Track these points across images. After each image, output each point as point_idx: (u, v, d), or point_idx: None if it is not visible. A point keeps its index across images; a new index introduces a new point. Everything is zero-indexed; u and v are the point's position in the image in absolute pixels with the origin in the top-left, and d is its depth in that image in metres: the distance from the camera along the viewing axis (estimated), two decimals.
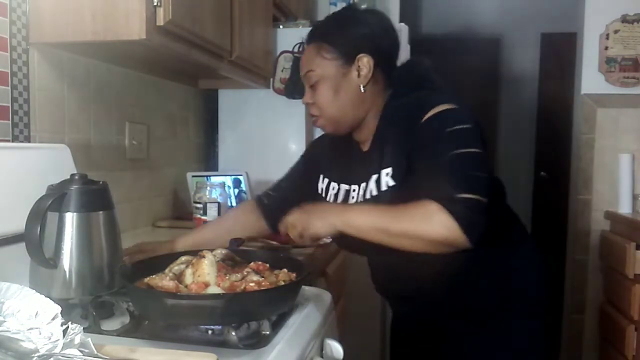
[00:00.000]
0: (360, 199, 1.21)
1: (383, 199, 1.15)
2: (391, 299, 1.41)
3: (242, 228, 1.36)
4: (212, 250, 1.03)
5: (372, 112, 1.22)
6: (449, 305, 1.23)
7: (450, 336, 1.24)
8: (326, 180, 1.33)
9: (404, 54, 2.25)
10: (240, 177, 2.26)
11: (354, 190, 1.24)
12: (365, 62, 1.18)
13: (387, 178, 1.15)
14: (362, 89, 1.19)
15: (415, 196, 1.05)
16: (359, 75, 1.19)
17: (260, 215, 1.40)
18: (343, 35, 1.21)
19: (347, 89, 1.19)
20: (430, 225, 1.02)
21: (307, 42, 1.28)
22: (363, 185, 1.20)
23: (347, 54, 1.19)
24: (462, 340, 1.22)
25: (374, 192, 1.17)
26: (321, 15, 2.93)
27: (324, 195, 1.33)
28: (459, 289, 1.20)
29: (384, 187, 1.15)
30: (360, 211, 1.13)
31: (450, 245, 1.02)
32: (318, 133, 2.35)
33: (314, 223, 1.09)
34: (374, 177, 1.17)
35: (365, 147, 1.25)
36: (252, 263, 1.03)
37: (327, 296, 1.18)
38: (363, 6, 2.40)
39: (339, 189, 1.28)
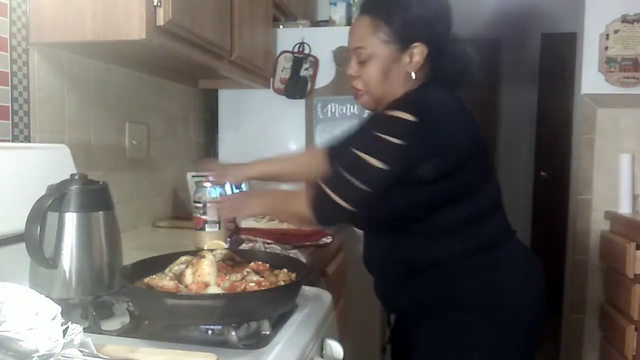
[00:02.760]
0: None
1: None
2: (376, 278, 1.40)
3: (309, 171, 1.42)
4: (212, 250, 1.03)
5: (403, 88, 1.22)
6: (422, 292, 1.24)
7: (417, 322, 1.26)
8: None
9: None
10: None
11: None
12: (419, 51, 1.18)
13: None
14: (412, 75, 1.19)
15: None
16: (410, 62, 1.19)
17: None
18: (403, 17, 1.18)
19: (397, 72, 1.19)
20: (292, 203, 1.23)
21: (362, 12, 1.24)
22: None
23: (403, 40, 1.18)
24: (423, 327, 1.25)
25: None
26: (321, 15, 2.93)
27: None
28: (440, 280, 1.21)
29: None
30: (266, 195, 1.39)
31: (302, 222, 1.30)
32: (318, 133, 2.37)
33: (240, 204, 1.34)
34: None
35: None
36: (252, 263, 1.03)
37: (327, 296, 1.18)
38: None
39: None
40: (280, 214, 1.35)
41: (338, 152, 1.30)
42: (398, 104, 1.14)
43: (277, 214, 1.37)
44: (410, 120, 1.08)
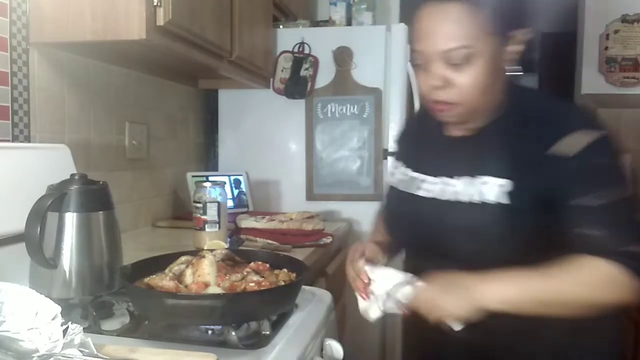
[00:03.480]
0: (438, 195, 1.01)
1: (485, 214, 0.94)
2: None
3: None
4: (212, 250, 1.03)
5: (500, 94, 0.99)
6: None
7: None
8: (399, 165, 1.14)
9: (404, 54, 2.25)
10: (240, 177, 2.27)
11: (429, 182, 1.04)
12: (522, 36, 0.95)
13: (498, 191, 0.93)
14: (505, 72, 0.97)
15: (542, 234, 0.91)
16: (510, 55, 0.95)
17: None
18: None
19: (500, 72, 0.95)
20: (616, 291, 0.86)
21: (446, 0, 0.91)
22: (448, 180, 1.00)
23: (508, 26, 0.94)
24: None
25: (476, 198, 0.95)
26: (321, 15, 2.93)
27: (390, 179, 1.16)
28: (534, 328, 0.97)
29: (490, 198, 0.94)
30: (505, 280, 0.88)
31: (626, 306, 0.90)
32: (318, 133, 2.37)
33: (446, 303, 0.88)
34: (480, 179, 0.96)
35: (460, 132, 1.03)
36: (252, 263, 1.03)
37: (327, 296, 1.18)
38: (363, 6, 2.41)
39: (408, 177, 1.09)
40: (559, 308, 0.89)
41: (616, 236, 0.88)
42: (587, 145, 0.90)
43: (547, 308, 0.89)
44: (621, 163, 0.92)
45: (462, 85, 0.92)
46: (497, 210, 0.93)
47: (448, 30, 0.90)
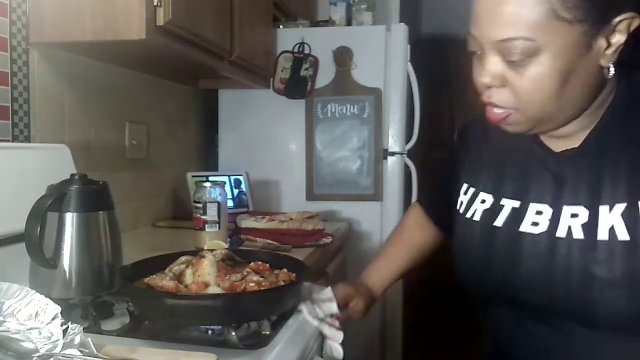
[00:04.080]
0: (554, 231, 0.78)
1: (612, 257, 0.72)
2: None
3: (422, 241, 1.12)
4: (212, 250, 1.03)
5: (602, 95, 0.77)
6: None
7: None
8: (471, 190, 0.91)
9: (404, 54, 2.25)
10: (240, 177, 2.27)
11: (537, 213, 0.80)
12: (625, 25, 0.69)
13: (616, 220, 0.73)
14: (608, 71, 0.72)
15: None
16: (607, 48, 0.70)
17: (430, 221, 1.13)
18: None
19: (582, 71, 0.70)
20: None
21: None
22: (566, 209, 0.78)
23: (596, 11, 0.68)
24: None
25: (604, 236, 0.73)
26: (321, 15, 2.93)
27: (463, 211, 0.90)
28: None
29: (617, 234, 0.73)
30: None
31: None
32: (318, 133, 2.38)
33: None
34: (604, 208, 0.74)
35: (563, 145, 0.81)
36: (252, 263, 1.03)
37: None
38: (363, 6, 2.41)
39: (497, 206, 0.85)
40: None
41: None
42: None
43: None
44: None
45: (521, 88, 0.71)
46: (622, 249, 0.72)
47: (506, 13, 0.68)
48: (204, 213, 1.50)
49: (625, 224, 0.71)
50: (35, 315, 0.65)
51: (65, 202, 0.94)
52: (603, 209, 0.74)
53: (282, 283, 0.96)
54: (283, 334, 0.90)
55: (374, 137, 2.27)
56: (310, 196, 2.33)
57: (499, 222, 0.83)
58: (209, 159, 2.52)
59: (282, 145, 2.37)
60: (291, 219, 1.74)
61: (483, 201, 0.87)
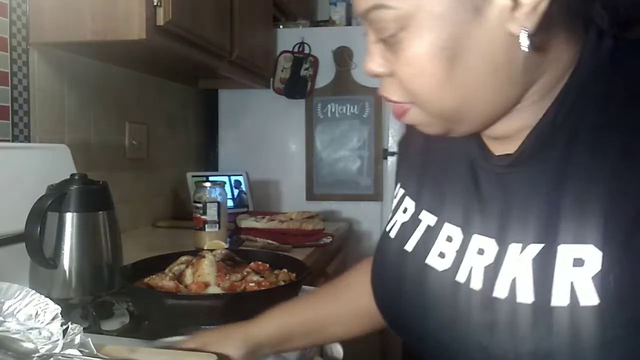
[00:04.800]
0: (462, 277, 0.54)
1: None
2: None
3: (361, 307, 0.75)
4: (212, 250, 1.03)
5: (537, 85, 0.51)
6: None
7: None
8: (400, 192, 0.68)
9: None
10: (240, 177, 2.27)
11: (448, 239, 0.57)
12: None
13: (523, 268, 0.49)
14: (524, 47, 0.47)
15: None
16: (515, 8, 0.46)
17: None
18: None
19: (477, 46, 0.48)
20: None
21: None
22: (475, 239, 0.55)
23: None
24: None
25: (501, 291, 0.50)
26: (321, 15, 2.93)
27: (395, 234, 0.65)
28: None
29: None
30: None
31: None
32: (318, 133, 2.38)
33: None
34: (514, 248, 0.51)
35: (502, 149, 0.56)
36: (252, 263, 1.03)
37: None
38: None
39: (415, 220, 0.62)
40: None
41: None
42: None
43: None
44: None
45: (402, 74, 0.51)
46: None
47: None
48: (204, 213, 1.50)
49: (534, 276, 0.48)
50: (35, 316, 0.65)
51: (65, 202, 0.94)
52: (513, 249, 0.50)
53: (282, 283, 0.96)
54: None
55: (374, 137, 2.27)
56: (310, 196, 2.33)
57: (410, 245, 0.61)
58: (209, 159, 2.52)
59: (282, 145, 2.37)
60: (291, 219, 1.74)
61: (405, 210, 0.65)
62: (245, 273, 0.96)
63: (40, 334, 0.64)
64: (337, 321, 0.78)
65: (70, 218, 0.94)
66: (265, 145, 2.38)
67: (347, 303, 0.77)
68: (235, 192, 2.24)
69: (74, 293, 0.94)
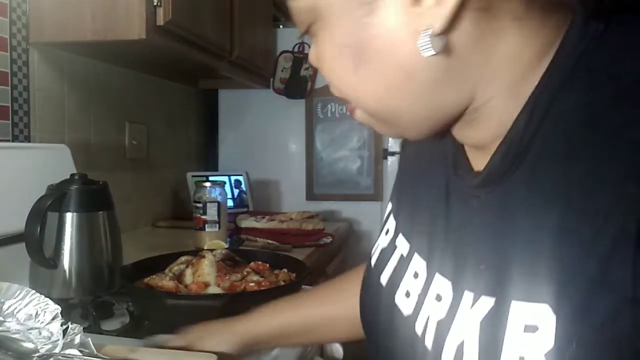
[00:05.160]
0: (420, 328, 0.47)
1: None
2: None
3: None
4: (212, 250, 1.03)
5: (504, 80, 0.41)
6: None
7: None
8: (388, 207, 0.62)
9: None
10: (240, 177, 2.27)
11: (415, 275, 0.50)
12: None
13: (472, 324, 0.41)
14: (426, 51, 0.39)
15: None
16: (413, 5, 0.39)
17: None
18: None
19: (386, 49, 0.41)
20: None
21: None
22: (436, 280, 0.47)
23: None
24: None
25: (448, 352, 0.42)
26: None
27: (375, 262, 0.59)
28: None
29: (465, 351, 0.41)
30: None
31: None
32: (318, 133, 2.38)
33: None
34: (468, 297, 0.42)
35: (481, 162, 0.45)
36: (252, 263, 1.03)
37: None
38: None
39: (391, 246, 0.56)
40: None
41: None
42: None
43: None
44: None
45: (323, 70, 0.47)
46: None
47: None
48: (204, 213, 1.50)
49: (480, 344, 0.40)
50: (35, 315, 0.65)
51: (65, 202, 0.94)
52: (466, 300, 0.42)
53: (282, 283, 0.96)
54: None
55: (374, 137, 2.27)
56: (310, 196, 2.33)
57: (384, 277, 0.55)
58: (209, 159, 2.52)
59: (282, 145, 2.37)
60: (291, 219, 1.74)
61: (387, 232, 0.58)
62: (245, 273, 0.96)
63: (40, 333, 0.64)
64: (328, 323, 0.77)
65: (70, 218, 0.94)
66: (265, 145, 2.38)
67: (339, 307, 0.75)
68: (236, 192, 2.24)
69: (74, 293, 0.94)
